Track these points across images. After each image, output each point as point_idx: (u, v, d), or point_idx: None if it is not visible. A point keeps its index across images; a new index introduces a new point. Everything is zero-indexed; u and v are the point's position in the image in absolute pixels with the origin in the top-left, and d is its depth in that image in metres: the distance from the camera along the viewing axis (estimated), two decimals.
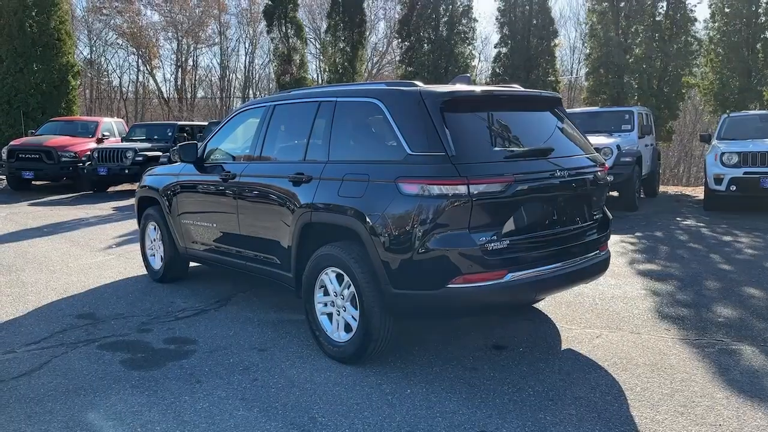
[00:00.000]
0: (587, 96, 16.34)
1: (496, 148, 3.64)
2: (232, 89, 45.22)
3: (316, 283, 4.00)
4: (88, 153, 14.77)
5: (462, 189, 3.29)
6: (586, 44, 17.10)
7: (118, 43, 56.07)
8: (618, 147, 10.12)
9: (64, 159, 14.83)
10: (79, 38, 55.12)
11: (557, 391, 3.43)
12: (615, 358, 3.90)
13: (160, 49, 56.19)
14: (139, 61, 54.69)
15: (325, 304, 3.98)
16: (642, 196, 12.72)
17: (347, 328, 3.82)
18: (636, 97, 15.17)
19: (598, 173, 4.04)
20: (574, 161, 3.87)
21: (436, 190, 3.31)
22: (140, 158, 14.27)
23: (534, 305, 4.95)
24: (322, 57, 18.91)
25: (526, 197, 3.54)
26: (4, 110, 19.53)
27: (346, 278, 3.76)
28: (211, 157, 5.24)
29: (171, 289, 5.74)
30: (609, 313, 4.85)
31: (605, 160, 9.76)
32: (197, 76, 52.57)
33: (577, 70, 31.86)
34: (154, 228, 6.00)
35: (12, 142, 15.51)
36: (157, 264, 6.05)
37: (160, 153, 14.46)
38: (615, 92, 15.40)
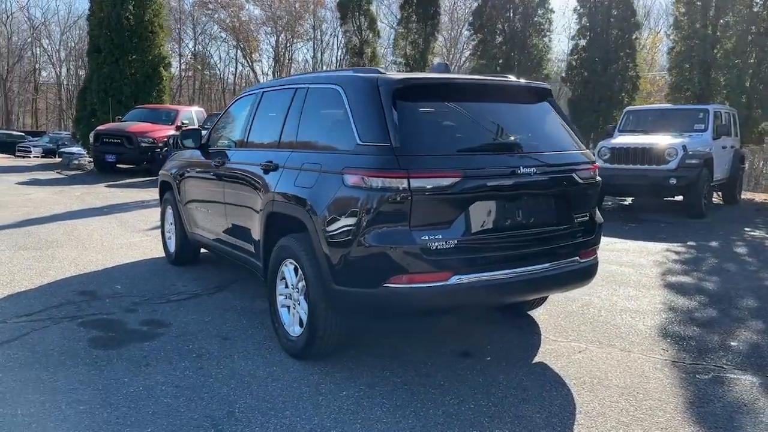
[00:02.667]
0: (669, 93, 15.18)
1: (451, 141, 3.37)
2: None
3: (278, 274, 3.91)
4: (165, 139, 15.56)
5: (402, 183, 3.08)
6: (670, 37, 15.85)
7: (222, 37, 58.69)
8: (684, 148, 9.32)
9: (143, 144, 15.69)
10: (186, 31, 58.49)
11: (501, 408, 3.15)
12: (587, 377, 3.53)
13: (260, 43, 58.44)
14: (240, 53, 57.06)
15: (286, 297, 3.88)
16: (719, 202, 11.69)
17: (301, 322, 3.71)
18: (724, 95, 13.90)
19: (582, 172, 3.67)
20: (548, 158, 3.53)
21: (376, 182, 3.12)
22: None
23: (529, 311, 4.61)
24: (394, 50, 18.76)
25: (480, 194, 3.26)
26: (101, 98, 20.88)
27: (300, 271, 3.64)
28: (216, 143, 5.27)
29: (179, 273, 5.86)
30: (608, 326, 4.42)
31: (669, 161, 9.11)
32: (292, 70, 54.22)
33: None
34: (171, 212, 6.15)
35: (98, 127, 16.61)
36: (172, 247, 6.20)
37: None
38: (699, 89, 14.18)
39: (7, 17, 54.46)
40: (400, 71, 18.52)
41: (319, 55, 46.16)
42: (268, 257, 4.04)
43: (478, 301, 3.43)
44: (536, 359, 3.82)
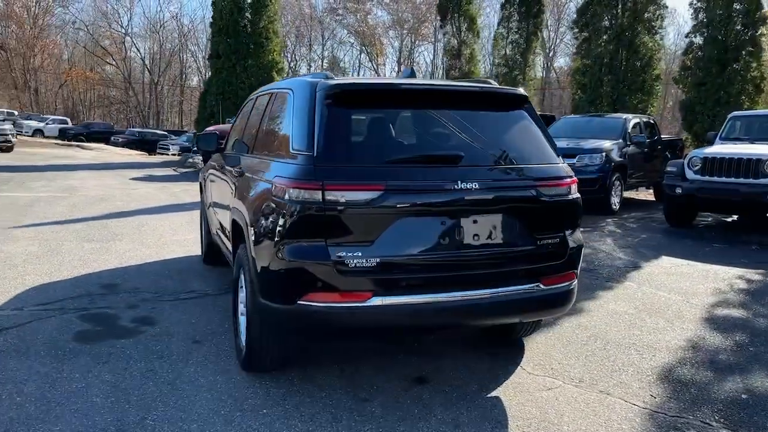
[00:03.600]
0: None
1: (380, 151, 3.13)
2: None
3: (238, 282, 3.87)
4: None
5: (316, 194, 2.91)
6: None
7: (349, 42, 60.51)
8: None
9: None
10: (315, 37, 60.98)
11: None
12: (536, 420, 3.13)
13: (384, 47, 59.59)
14: (366, 57, 58.45)
15: (244, 305, 3.84)
16: None
17: None
18: None
19: (547, 188, 3.26)
20: (501, 171, 3.18)
21: (293, 193, 2.97)
22: None
23: (523, 337, 4.21)
24: (493, 50, 18.17)
25: (408, 210, 3.00)
26: (218, 100, 22.32)
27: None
28: (227, 146, 5.37)
29: (203, 272, 6.05)
30: (604, 362, 3.91)
31: None
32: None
33: None
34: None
35: (207, 128, 17.70)
36: (205, 247, 6.42)
37: None
38: None
39: (161, 25, 60.00)
40: (498, 74, 17.94)
41: (438, 58, 46.07)
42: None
43: (405, 325, 3.15)
44: (494, 393, 3.45)
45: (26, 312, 4.65)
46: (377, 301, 2.97)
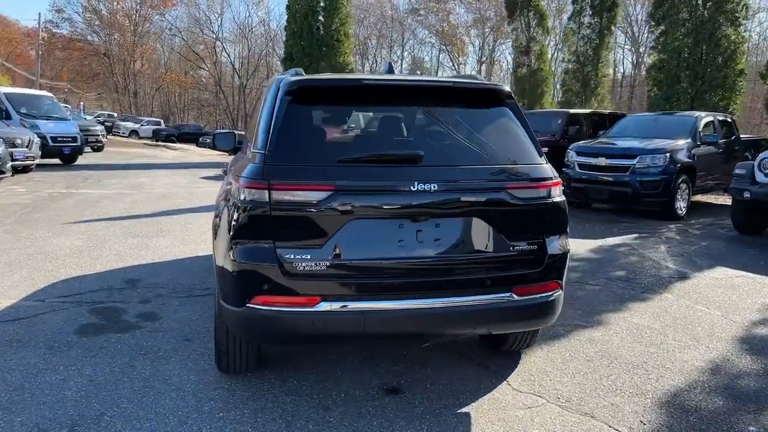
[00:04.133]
0: None
1: (334, 150, 2.99)
2: None
3: None
4: None
5: (264, 194, 2.82)
6: None
7: (430, 41, 60.30)
8: None
9: None
10: (396, 38, 61.27)
11: None
12: None
13: (465, 46, 58.97)
14: (447, 57, 58.12)
15: None
16: None
17: None
18: None
19: (521, 190, 3.01)
20: (466, 172, 2.95)
21: (244, 194, 2.89)
22: None
23: (519, 348, 3.94)
24: (563, 46, 17.42)
25: (361, 212, 2.85)
26: None
27: None
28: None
29: None
30: (602, 381, 3.59)
31: None
32: (493, 71, 53.81)
33: None
34: None
35: None
36: None
37: None
38: None
39: (249, 30, 62.21)
40: (569, 70, 17.20)
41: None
42: None
43: (357, 333, 2.99)
44: (466, 408, 3.23)
45: (46, 303, 4.86)
46: (326, 306, 2.84)
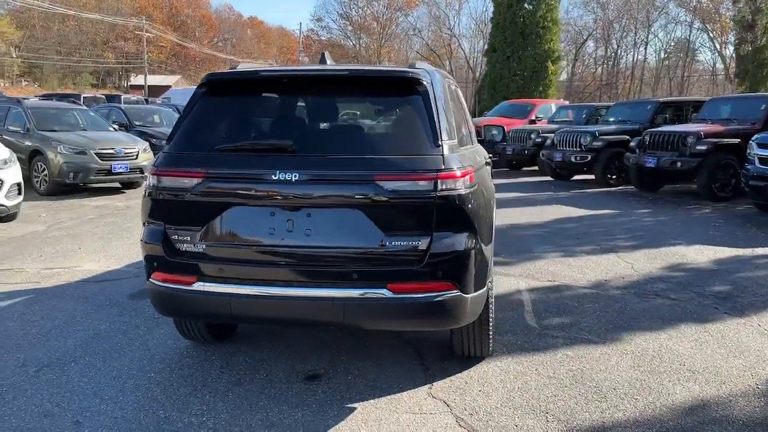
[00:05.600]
0: None
1: (216, 139, 3.11)
2: None
3: None
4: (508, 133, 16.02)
5: (155, 180, 3.13)
6: None
7: (685, 21, 54.40)
8: None
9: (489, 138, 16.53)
10: (640, 19, 56.09)
11: None
12: None
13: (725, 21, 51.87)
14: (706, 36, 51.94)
15: None
16: None
17: None
18: None
19: (399, 182, 2.83)
20: (342, 163, 2.87)
21: (147, 180, 3.23)
22: (540, 140, 14.61)
23: (469, 354, 3.65)
24: None
25: (231, 198, 2.98)
26: (490, 94, 22.67)
27: None
28: None
29: None
30: (537, 402, 3.16)
31: None
32: None
33: None
34: None
35: None
36: None
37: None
38: None
39: (485, 25, 62.61)
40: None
41: None
42: None
43: (229, 315, 3.09)
44: (353, 404, 3.15)
45: (137, 271, 5.81)
46: (199, 286, 3.04)
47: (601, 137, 12.41)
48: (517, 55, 22.08)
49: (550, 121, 16.63)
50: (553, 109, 17.82)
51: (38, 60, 65.24)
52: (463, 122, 3.91)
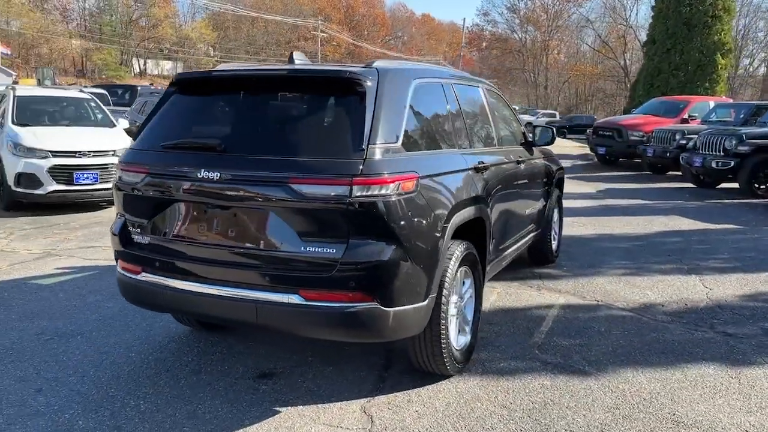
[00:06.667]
0: None
1: (165, 136, 3.20)
2: None
3: None
4: (650, 133, 14.63)
5: (117, 174, 3.34)
6: None
7: None
8: None
9: (632, 137, 15.19)
10: None
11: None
12: None
13: None
14: None
15: None
16: None
17: None
18: None
19: (314, 186, 2.74)
20: (261, 164, 2.85)
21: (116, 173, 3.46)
22: (684, 142, 13.14)
23: (430, 369, 3.43)
24: None
25: (167, 194, 3.10)
26: (646, 89, 20.78)
27: None
28: None
29: None
30: (460, 426, 2.88)
31: None
32: None
33: None
34: None
35: (597, 121, 16.93)
36: None
37: None
38: None
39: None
40: None
41: None
42: None
43: (164, 306, 3.20)
44: (290, 407, 3.11)
45: None
46: (143, 276, 3.20)
47: (748, 141, 10.83)
48: (679, 47, 19.93)
49: (704, 121, 14.83)
50: (710, 106, 15.87)
51: (231, 58, 72.27)
52: (449, 125, 3.67)
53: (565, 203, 10.05)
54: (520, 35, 67.36)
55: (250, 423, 2.98)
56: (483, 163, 3.80)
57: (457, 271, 3.32)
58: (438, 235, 3.08)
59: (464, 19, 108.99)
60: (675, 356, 3.79)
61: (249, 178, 2.86)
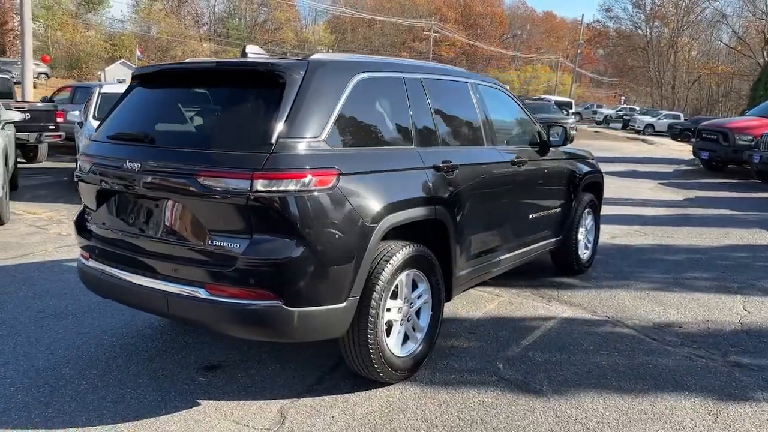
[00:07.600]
0: None
1: (115, 128, 3.29)
2: None
3: None
4: (760, 137, 13.19)
5: (78, 164, 3.51)
6: None
7: None
8: None
9: (739, 142, 13.81)
10: None
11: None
12: None
13: None
14: None
15: None
16: None
17: None
18: None
19: (213, 179, 2.71)
20: (174, 155, 2.87)
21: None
22: None
23: (365, 375, 3.29)
24: None
25: (103, 184, 3.19)
26: (765, 88, 18.77)
27: None
28: None
29: None
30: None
31: None
32: None
33: None
34: None
35: (702, 123, 15.48)
36: None
37: None
38: None
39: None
40: None
41: None
42: None
43: (104, 293, 3.28)
44: (215, 401, 3.11)
45: None
46: (90, 262, 3.34)
47: None
48: None
49: None
50: None
51: None
52: (407, 121, 3.49)
53: (637, 210, 9.38)
54: (645, 31, 63.37)
55: (166, 413, 3.01)
56: (449, 162, 3.58)
57: (397, 274, 3.15)
58: (363, 234, 2.94)
59: (582, 15, 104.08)
60: (655, 384, 3.36)
61: (162, 169, 2.89)
